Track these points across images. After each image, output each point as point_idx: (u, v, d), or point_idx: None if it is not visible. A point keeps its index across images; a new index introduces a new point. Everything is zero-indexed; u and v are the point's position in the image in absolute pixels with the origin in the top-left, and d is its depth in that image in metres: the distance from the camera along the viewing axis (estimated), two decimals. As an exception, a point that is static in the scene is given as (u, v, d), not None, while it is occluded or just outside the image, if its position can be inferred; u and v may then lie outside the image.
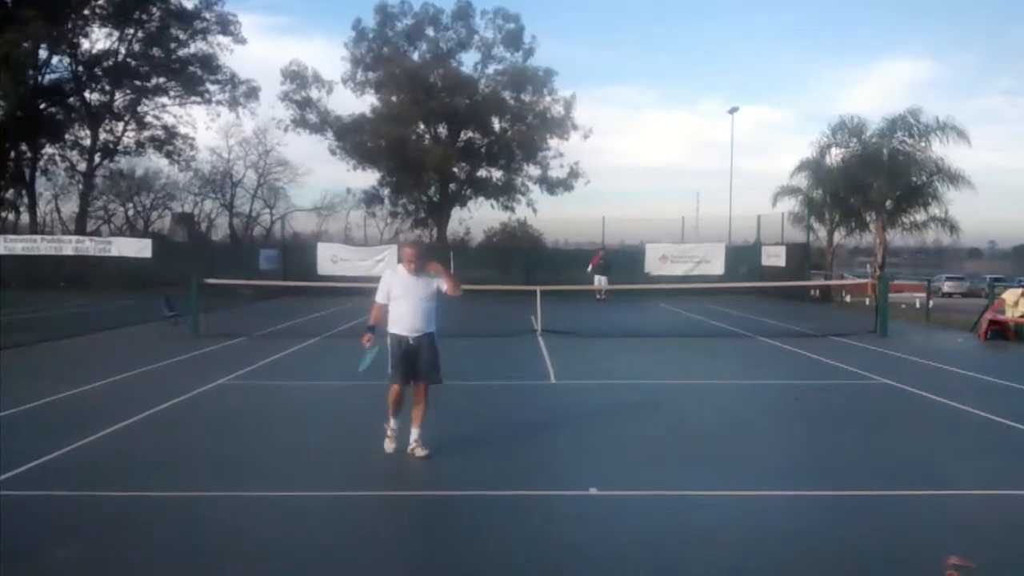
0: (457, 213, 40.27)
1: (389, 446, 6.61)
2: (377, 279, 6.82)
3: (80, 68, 38.67)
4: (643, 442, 7.27)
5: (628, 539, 4.83)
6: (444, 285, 6.66)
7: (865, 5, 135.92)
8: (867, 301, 24.57)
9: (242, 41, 40.35)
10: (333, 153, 38.89)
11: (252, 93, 41.05)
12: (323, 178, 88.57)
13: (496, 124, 38.06)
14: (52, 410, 8.51)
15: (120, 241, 31.99)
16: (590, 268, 26.48)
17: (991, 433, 7.84)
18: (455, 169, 37.93)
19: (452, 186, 38.94)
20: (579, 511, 5.37)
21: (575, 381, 10.73)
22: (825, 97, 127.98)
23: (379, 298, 6.67)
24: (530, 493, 5.70)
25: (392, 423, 6.67)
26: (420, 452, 6.49)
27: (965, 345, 15.50)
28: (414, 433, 6.57)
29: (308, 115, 38.57)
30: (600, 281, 25.51)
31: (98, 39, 39.17)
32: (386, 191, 39.85)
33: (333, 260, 29.34)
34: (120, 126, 40.43)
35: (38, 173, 39.84)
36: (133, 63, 39.22)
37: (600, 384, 10.62)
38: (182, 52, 40.06)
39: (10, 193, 39.74)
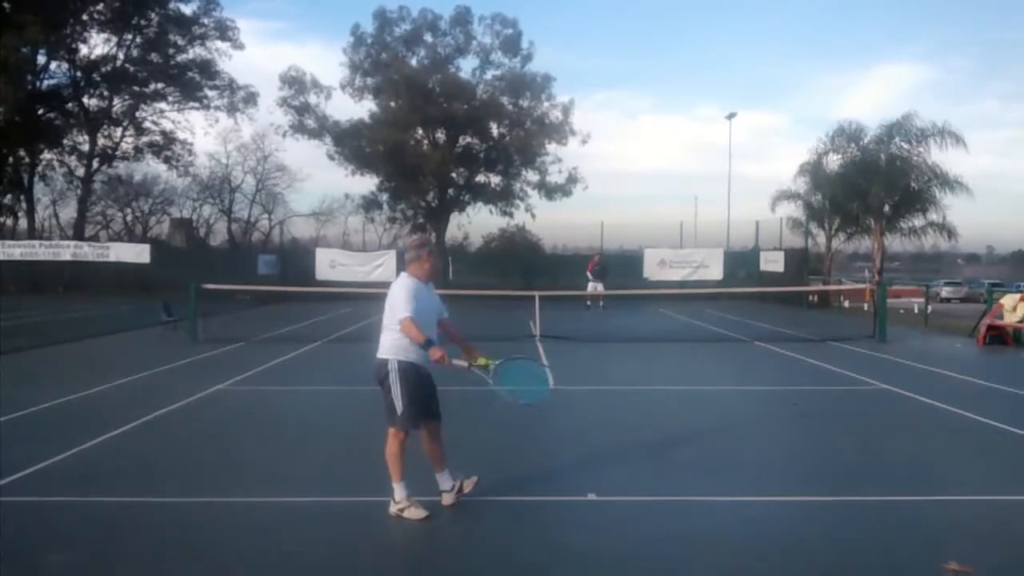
0: (456, 218, 40.43)
1: (418, 512, 5.13)
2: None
3: (78, 73, 38.76)
4: (642, 447, 7.27)
5: (627, 544, 4.82)
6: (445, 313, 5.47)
7: (861, 10, 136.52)
8: (866, 306, 24.58)
9: (240, 47, 40.58)
10: (331, 158, 39.00)
11: (250, 99, 41.23)
12: (321, 183, 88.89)
13: (494, 129, 38.13)
14: (51, 415, 8.50)
15: (118, 246, 31.98)
16: (589, 275, 25.68)
17: (990, 438, 7.83)
18: (453, 174, 37.98)
19: (450, 191, 38.97)
20: (577, 516, 5.37)
21: (574, 386, 10.71)
22: (823, 101, 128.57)
23: (411, 311, 4.98)
24: (528, 498, 5.68)
25: (399, 488, 5.17)
26: (469, 485, 5.39)
27: (964, 350, 15.52)
28: (446, 477, 5.37)
29: (306, 120, 38.62)
30: (596, 287, 24.97)
31: (96, 44, 39.39)
32: (384, 196, 39.90)
33: (331, 265, 29.43)
34: (118, 131, 40.55)
35: (36, 178, 39.95)
36: (131, 68, 39.34)
37: (599, 389, 10.61)
38: (180, 58, 40.23)
39: (8, 198, 39.78)
